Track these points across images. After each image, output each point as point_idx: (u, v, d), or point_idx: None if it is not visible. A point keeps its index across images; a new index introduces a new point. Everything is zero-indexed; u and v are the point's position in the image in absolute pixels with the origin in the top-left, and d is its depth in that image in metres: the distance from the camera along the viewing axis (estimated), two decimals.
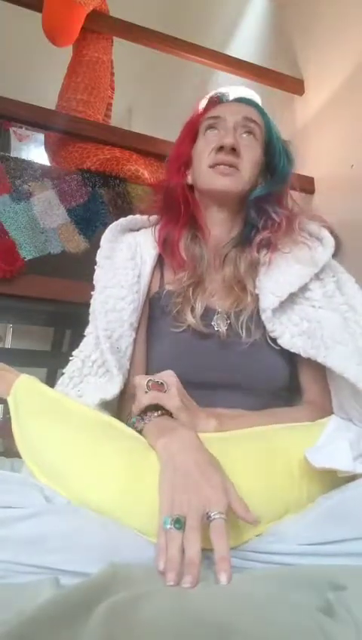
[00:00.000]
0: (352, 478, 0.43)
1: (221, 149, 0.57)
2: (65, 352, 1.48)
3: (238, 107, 0.61)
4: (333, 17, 1.20)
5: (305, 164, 1.26)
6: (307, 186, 1.24)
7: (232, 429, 0.48)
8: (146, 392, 0.46)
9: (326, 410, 0.51)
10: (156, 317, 0.59)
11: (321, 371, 0.54)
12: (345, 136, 1.16)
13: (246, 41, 1.57)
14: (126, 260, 0.59)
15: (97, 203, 1.00)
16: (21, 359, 1.49)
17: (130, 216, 0.64)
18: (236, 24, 1.62)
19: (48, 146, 1.20)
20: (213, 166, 0.58)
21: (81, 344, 0.57)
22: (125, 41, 1.20)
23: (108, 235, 0.61)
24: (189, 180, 0.62)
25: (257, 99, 0.66)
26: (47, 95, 1.16)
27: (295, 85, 1.32)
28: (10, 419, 0.48)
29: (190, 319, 0.54)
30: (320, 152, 1.25)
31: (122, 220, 0.63)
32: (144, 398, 0.46)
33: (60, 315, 1.25)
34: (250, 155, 0.58)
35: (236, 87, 1.07)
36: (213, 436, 0.46)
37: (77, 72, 1.15)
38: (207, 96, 0.65)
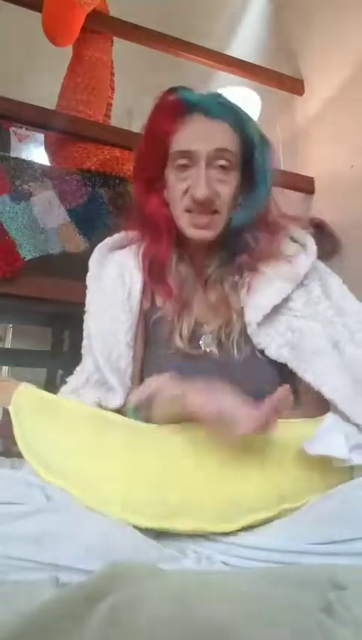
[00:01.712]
0: (349, 473, 0.43)
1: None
2: (65, 352, 1.48)
3: (210, 128, 0.54)
4: (333, 17, 1.20)
5: (305, 164, 1.26)
6: (307, 186, 1.24)
7: None
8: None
9: (321, 411, 0.51)
10: (149, 337, 0.59)
11: None
12: (345, 137, 1.16)
13: (246, 41, 1.57)
14: (115, 279, 0.59)
15: (97, 203, 1.00)
16: (21, 359, 1.48)
17: (115, 235, 0.64)
18: (236, 24, 1.63)
19: (48, 146, 1.20)
20: (188, 210, 0.55)
21: (83, 362, 0.58)
22: (125, 41, 1.20)
23: (97, 256, 0.61)
24: (166, 197, 0.58)
25: (233, 104, 0.56)
26: (47, 95, 1.16)
27: (295, 85, 1.33)
28: (9, 420, 0.49)
29: (179, 343, 0.55)
30: (320, 152, 1.25)
31: (108, 240, 0.63)
32: (140, 392, 0.47)
33: (60, 315, 1.25)
34: (227, 193, 0.54)
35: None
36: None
37: (77, 72, 1.15)
38: (166, 92, 0.57)
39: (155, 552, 0.38)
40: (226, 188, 0.55)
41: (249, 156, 0.56)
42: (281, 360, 0.53)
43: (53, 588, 0.32)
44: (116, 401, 0.51)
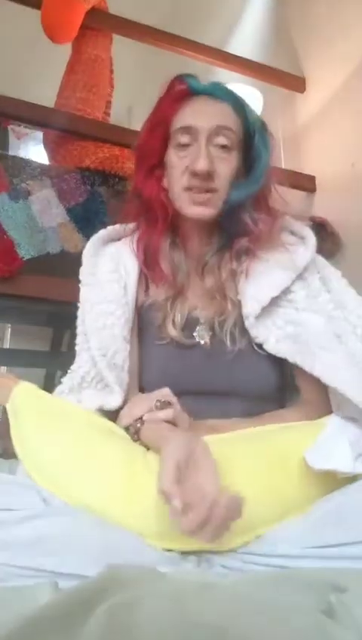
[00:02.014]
0: (353, 477, 0.43)
1: (195, 173, 0.53)
2: (64, 352, 1.47)
3: (212, 108, 0.55)
4: (335, 15, 1.20)
5: (306, 163, 1.25)
6: (308, 184, 1.23)
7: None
8: (156, 408, 0.47)
9: (323, 409, 0.51)
10: (143, 327, 0.59)
11: None
12: (346, 135, 1.16)
13: (247, 38, 1.57)
14: (110, 272, 0.58)
15: (96, 202, 1.00)
16: (20, 359, 1.48)
17: (109, 227, 0.63)
18: (237, 21, 1.62)
19: (47, 144, 1.19)
20: (187, 189, 0.54)
21: (77, 359, 0.57)
22: (125, 39, 1.19)
23: (90, 250, 0.60)
24: (165, 183, 0.57)
25: (235, 91, 0.57)
26: (46, 93, 1.15)
27: (296, 83, 1.32)
28: (7, 420, 0.48)
29: (172, 332, 0.54)
30: (321, 151, 1.24)
31: (102, 232, 0.62)
32: (161, 413, 0.46)
33: (59, 315, 1.25)
34: (226, 172, 0.54)
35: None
36: (212, 438, 0.46)
37: (76, 69, 1.15)
38: (172, 79, 0.57)
39: (155, 555, 0.38)
40: (226, 166, 0.54)
41: (250, 141, 0.56)
42: (280, 354, 0.52)
43: (51, 591, 0.32)
44: (116, 401, 0.50)
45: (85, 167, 1.02)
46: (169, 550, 0.39)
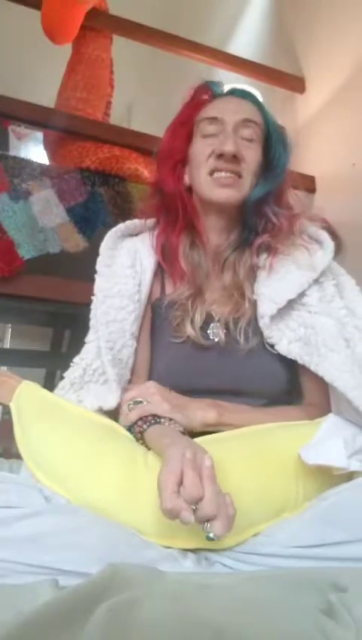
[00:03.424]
0: (348, 476, 0.43)
1: (221, 155, 0.54)
2: (64, 352, 1.47)
3: (237, 104, 0.58)
4: (334, 15, 1.20)
5: (306, 163, 1.25)
6: (308, 184, 1.23)
7: (231, 422, 0.49)
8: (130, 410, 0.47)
9: (324, 413, 0.51)
10: (157, 325, 0.59)
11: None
12: (347, 135, 1.16)
13: (246, 38, 1.57)
14: (126, 267, 0.58)
15: (96, 202, 1.00)
16: (20, 359, 1.48)
17: (128, 222, 0.63)
18: (237, 22, 1.62)
19: (47, 145, 1.19)
20: (212, 173, 0.55)
21: (83, 351, 0.57)
22: (125, 39, 1.19)
23: (108, 243, 0.60)
24: (187, 180, 0.59)
25: (255, 92, 0.61)
26: (46, 93, 1.16)
27: (296, 83, 1.32)
28: (8, 420, 0.48)
29: (189, 331, 0.54)
30: (321, 151, 1.24)
31: (121, 226, 0.62)
32: (132, 414, 0.47)
33: (59, 315, 1.25)
34: (251, 159, 0.56)
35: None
36: (208, 438, 0.46)
37: (76, 70, 1.15)
38: (197, 86, 0.61)
39: (155, 553, 0.38)
40: (251, 154, 0.57)
41: (268, 140, 0.58)
42: (291, 356, 0.53)
43: (52, 590, 0.32)
44: (113, 400, 0.51)
45: (85, 168, 1.02)
46: (169, 548, 0.39)
